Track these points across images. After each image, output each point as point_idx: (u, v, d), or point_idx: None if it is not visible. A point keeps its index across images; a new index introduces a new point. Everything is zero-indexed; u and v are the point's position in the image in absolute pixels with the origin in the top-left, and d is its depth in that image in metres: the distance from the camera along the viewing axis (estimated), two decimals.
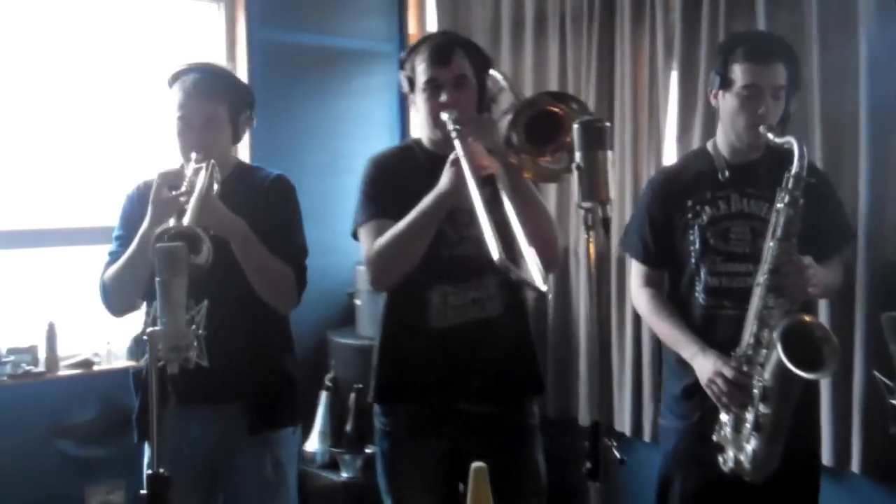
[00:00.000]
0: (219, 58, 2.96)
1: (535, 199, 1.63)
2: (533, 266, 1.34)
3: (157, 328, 1.27)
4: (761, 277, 1.67)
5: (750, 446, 1.66)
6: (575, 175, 1.27)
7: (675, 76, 2.50)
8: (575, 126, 1.29)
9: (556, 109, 1.49)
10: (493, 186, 1.53)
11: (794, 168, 1.64)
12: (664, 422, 1.92)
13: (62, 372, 2.61)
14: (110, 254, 1.80)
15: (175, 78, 1.77)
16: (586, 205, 1.26)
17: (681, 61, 2.46)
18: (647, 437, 2.61)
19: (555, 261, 1.71)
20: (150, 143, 2.75)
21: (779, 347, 1.56)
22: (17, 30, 2.62)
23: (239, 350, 1.73)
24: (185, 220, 1.54)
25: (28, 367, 2.55)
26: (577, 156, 1.27)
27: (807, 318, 1.62)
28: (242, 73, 2.93)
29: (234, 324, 1.72)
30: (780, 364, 1.58)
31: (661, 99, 2.55)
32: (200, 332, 1.33)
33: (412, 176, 1.70)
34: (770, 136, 1.70)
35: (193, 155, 1.70)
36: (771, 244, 1.66)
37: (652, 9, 2.55)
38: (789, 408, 1.65)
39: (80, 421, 2.58)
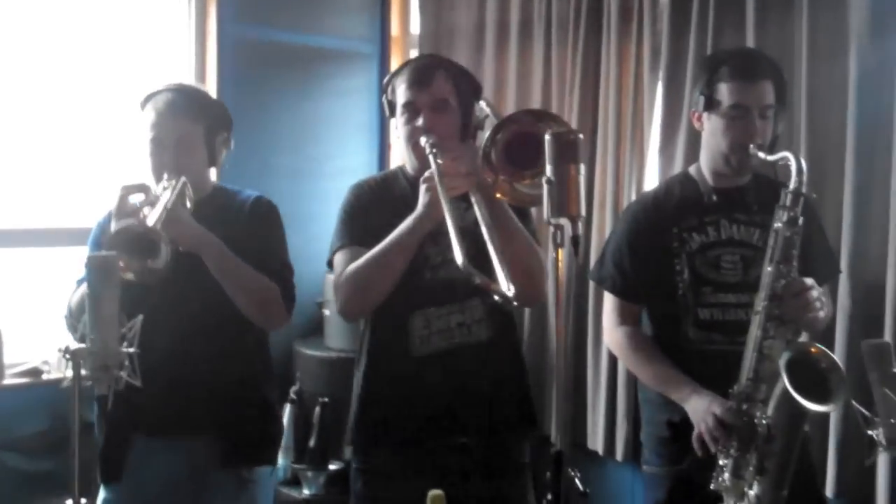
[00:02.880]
0: (188, 53, 2.86)
1: (515, 227, 1.56)
2: (501, 274, 1.28)
3: (80, 345, 1.16)
4: (760, 305, 1.54)
5: (753, 492, 1.51)
6: (545, 190, 1.19)
7: (660, 85, 2.44)
8: (546, 137, 1.21)
9: (536, 132, 1.40)
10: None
11: (793, 184, 1.53)
12: (649, 468, 1.77)
13: (8, 381, 2.50)
14: (77, 281, 1.71)
15: (147, 99, 1.71)
16: (555, 221, 1.18)
17: (667, 70, 2.42)
18: (619, 456, 2.55)
19: (538, 291, 1.63)
20: (111, 144, 2.66)
21: (784, 378, 1.45)
22: None
23: (213, 375, 1.65)
24: (147, 223, 1.46)
25: None
26: (548, 169, 1.20)
27: (811, 347, 1.51)
28: (212, 70, 2.83)
29: (207, 346, 1.65)
30: (785, 397, 1.46)
31: (646, 108, 2.50)
32: (133, 350, 1.23)
33: (393, 204, 1.65)
34: (761, 154, 1.61)
35: (165, 176, 1.64)
36: (769, 268, 1.54)
37: (640, 16, 2.50)
38: (795, 447, 1.52)
39: (28, 433, 2.46)
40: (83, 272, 1.68)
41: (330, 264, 1.70)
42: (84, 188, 2.62)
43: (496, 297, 1.26)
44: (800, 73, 2.13)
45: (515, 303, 1.28)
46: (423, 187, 1.52)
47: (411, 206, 1.56)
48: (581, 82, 2.62)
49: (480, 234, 1.39)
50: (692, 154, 2.23)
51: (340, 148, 3.11)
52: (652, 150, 2.49)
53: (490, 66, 2.88)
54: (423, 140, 1.57)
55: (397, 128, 1.67)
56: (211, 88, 2.79)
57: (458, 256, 1.29)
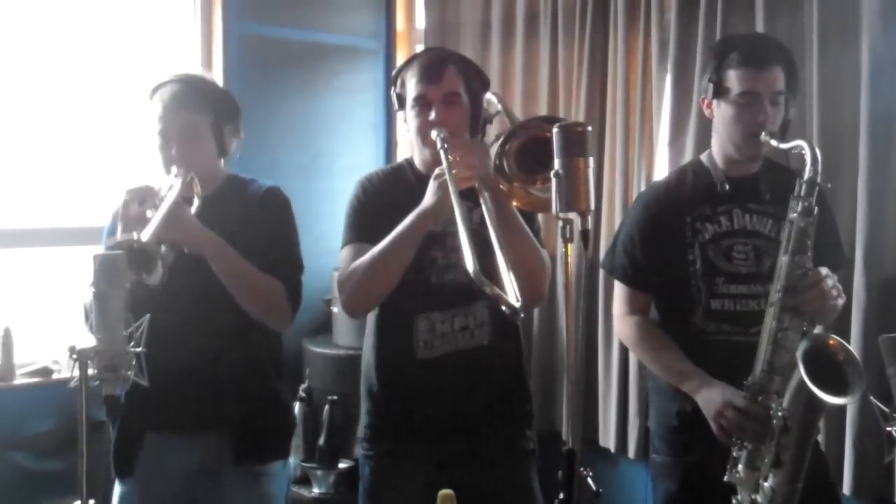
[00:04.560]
0: (193, 51, 2.85)
1: (520, 228, 1.55)
2: (509, 284, 1.26)
3: (87, 345, 1.15)
4: (775, 296, 1.52)
5: (768, 485, 1.50)
6: (553, 184, 1.18)
7: (668, 77, 2.41)
8: (554, 130, 1.20)
9: (546, 135, 1.39)
10: (482, 210, 1.47)
11: (808, 173, 1.51)
12: (659, 458, 1.75)
13: (18, 381, 2.50)
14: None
15: (154, 91, 1.69)
16: (564, 216, 1.17)
17: (675, 62, 2.38)
18: (631, 453, 2.53)
19: (538, 293, 1.62)
20: (119, 141, 2.66)
21: (801, 370, 1.42)
22: None
23: (224, 373, 1.64)
24: (144, 236, 1.45)
25: None
26: (556, 163, 1.19)
27: (829, 339, 1.49)
28: (218, 68, 2.83)
29: (216, 342, 1.64)
30: (802, 389, 1.43)
31: (655, 101, 2.48)
32: (140, 349, 1.22)
33: (401, 198, 1.63)
34: (773, 142, 1.59)
35: (174, 169, 1.62)
36: (784, 259, 1.52)
37: (647, 8, 2.47)
38: (811, 439, 1.51)
39: (38, 432, 2.46)
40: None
41: None
42: (93, 187, 2.62)
43: (504, 310, 1.25)
44: (811, 63, 2.09)
45: (522, 315, 1.27)
46: (433, 183, 1.51)
47: (418, 200, 1.55)
48: (588, 76, 2.60)
49: (486, 236, 1.38)
50: (702, 146, 2.20)
51: (346, 144, 3.09)
52: (661, 142, 2.47)
53: (496, 61, 2.86)
54: (434, 134, 1.56)
55: (406, 121, 1.66)
56: None
57: (470, 264, 1.28)
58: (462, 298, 1.62)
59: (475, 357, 1.64)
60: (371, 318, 1.72)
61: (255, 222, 1.68)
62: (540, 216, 1.71)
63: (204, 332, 1.63)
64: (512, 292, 1.24)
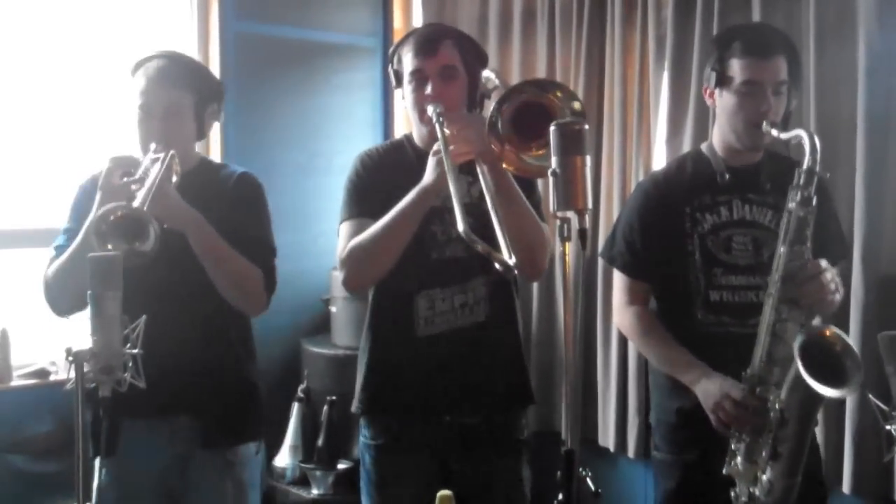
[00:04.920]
0: (189, 50, 2.84)
1: (520, 200, 1.54)
2: (503, 243, 1.26)
3: (83, 347, 1.15)
4: (773, 287, 1.51)
5: (766, 478, 1.48)
6: (551, 182, 1.17)
7: (666, 74, 2.41)
8: (551, 128, 1.19)
9: (543, 101, 1.38)
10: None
11: (806, 162, 1.50)
12: (660, 455, 1.75)
13: (15, 382, 2.49)
14: (56, 248, 1.67)
15: (138, 66, 1.66)
16: (562, 214, 1.16)
17: (672, 59, 2.38)
18: (631, 452, 2.52)
19: (539, 266, 1.62)
20: (109, 142, 2.63)
21: (798, 362, 1.41)
22: None
23: (193, 357, 1.62)
24: (135, 203, 1.42)
25: None
26: (553, 161, 1.17)
27: (826, 331, 1.47)
28: (215, 66, 2.82)
29: (188, 329, 1.62)
30: (799, 382, 1.42)
31: (652, 98, 2.47)
32: (137, 350, 1.21)
33: (400, 174, 1.62)
34: (774, 132, 1.57)
35: (153, 146, 1.59)
36: (782, 249, 1.50)
37: (644, 4, 2.47)
38: (809, 432, 1.50)
39: (34, 434, 2.45)
40: (61, 239, 1.66)
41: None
42: (82, 178, 2.61)
43: (497, 266, 1.24)
44: (808, 58, 2.08)
45: (516, 272, 1.27)
46: (432, 159, 1.50)
47: (417, 176, 1.54)
48: (586, 72, 2.60)
49: (485, 210, 1.38)
50: (700, 142, 2.17)
51: (344, 143, 3.08)
52: (658, 139, 2.46)
53: (493, 58, 2.83)
54: (430, 109, 1.55)
55: (404, 97, 1.65)
56: None
57: (460, 224, 1.27)
58: (461, 274, 1.62)
59: (475, 333, 1.64)
60: (370, 295, 1.71)
61: (229, 206, 1.66)
62: (540, 184, 1.69)
63: (173, 317, 1.58)
64: (505, 250, 1.24)
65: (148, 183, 1.48)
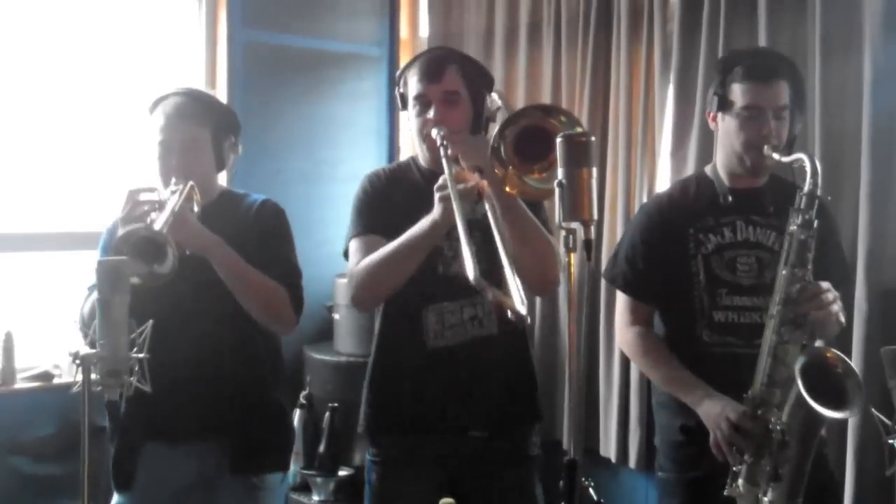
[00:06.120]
0: (198, 58, 2.87)
1: (525, 215, 1.55)
2: (514, 288, 1.26)
3: (90, 350, 1.16)
4: (774, 308, 1.52)
5: (767, 499, 1.48)
6: (556, 193, 1.17)
7: (671, 88, 2.42)
8: (558, 140, 1.19)
9: (545, 126, 1.39)
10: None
11: (807, 186, 1.51)
12: (664, 475, 1.74)
13: (19, 385, 2.50)
14: (89, 288, 1.69)
15: (156, 103, 1.71)
16: (567, 225, 1.16)
17: (678, 73, 2.39)
18: (632, 463, 2.52)
19: (551, 279, 1.63)
20: (122, 148, 2.66)
21: (799, 384, 1.42)
22: None
23: (222, 381, 1.64)
24: (155, 227, 1.46)
25: None
26: (560, 172, 1.18)
27: (827, 352, 1.48)
28: (222, 75, 2.84)
29: (217, 351, 1.64)
30: (800, 403, 1.43)
31: (657, 111, 2.48)
32: (143, 355, 1.22)
33: (406, 194, 1.65)
34: (776, 155, 1.59)
35: (173, 180, 1.64)
36: (783, 271, 1.52)
37: (650, 18, 2.48)
38: (810, 454, 1.49)
39: (38, 437, 2.46)
40: (95, 279, 1.71)
41: (346, 254, 1.70)
42: (95, 192, 2.62)
43: (509, 316, 1.23)
44: (813, 73, 2.10)
45: (528, 321, 1.26)
46: (437, 195, 1.51)
47: (424, 197, 1.55)
48: (591, 85, 2.61)
49: (489, 225, 1.39)
50: (704, 156, 2.20)
51: (350, 151, 3.10)
52: (663, 152, 2.47)
53: (499, 70, 2.86)
54: (433, 132, 1.56)
55: (409, 120, 1.67)
56: (221, 93, 2.80)
57: (470, 271, 1.27)
58: (470, 288, 1.60)
59: (485, 346, 1.63)
60: (379, 311, 1.71)
61: (253, 235, 1.69)
62: (546, 204, 1.69)
63: (204, 340, 1.63)
64: (517, 296, 1.24)
65: (166, 209, 1.52)
